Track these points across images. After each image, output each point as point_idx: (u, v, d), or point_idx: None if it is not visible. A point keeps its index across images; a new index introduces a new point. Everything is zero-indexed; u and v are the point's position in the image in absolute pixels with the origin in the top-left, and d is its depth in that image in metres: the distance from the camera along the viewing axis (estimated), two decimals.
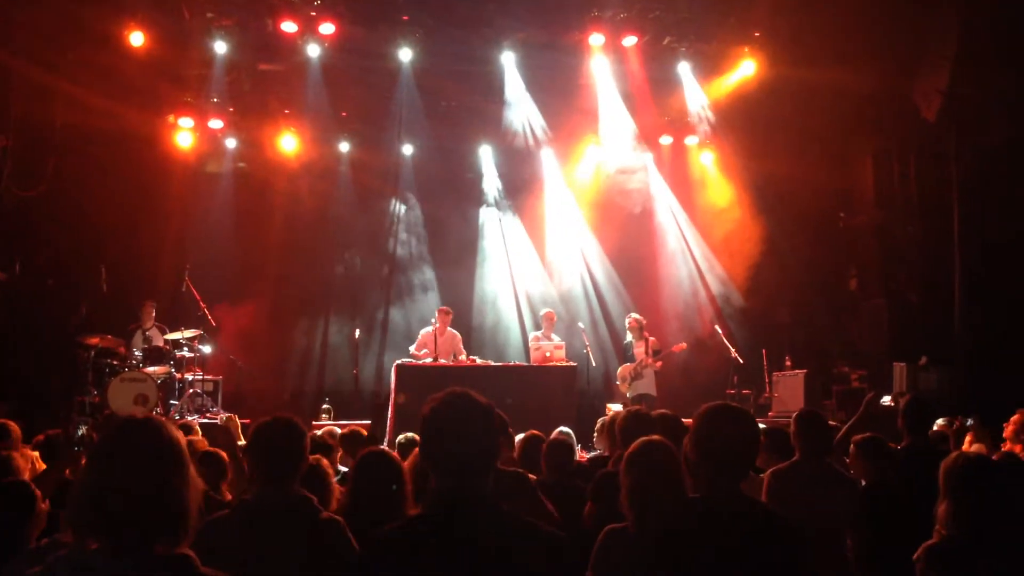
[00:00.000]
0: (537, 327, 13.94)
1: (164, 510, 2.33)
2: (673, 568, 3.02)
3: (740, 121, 14.92)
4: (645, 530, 3.54)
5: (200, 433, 7.11)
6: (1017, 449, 6.90)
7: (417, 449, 5.83)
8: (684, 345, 12.88)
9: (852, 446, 5.66)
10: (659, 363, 12.49)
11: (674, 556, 3.03)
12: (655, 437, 3.86)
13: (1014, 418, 7.25)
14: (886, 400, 10.80)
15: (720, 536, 3.00)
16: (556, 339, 13.05)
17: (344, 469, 6.89)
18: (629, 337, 12.85)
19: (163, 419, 2.53)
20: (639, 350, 12.56)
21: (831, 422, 6.04)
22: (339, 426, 8.22)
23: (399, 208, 15.97)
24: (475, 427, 2.58)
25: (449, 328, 12.81)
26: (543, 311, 13.65)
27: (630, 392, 12.47)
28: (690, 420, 6.65)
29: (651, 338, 12.69)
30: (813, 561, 3.07)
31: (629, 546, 3.63)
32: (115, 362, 11.89)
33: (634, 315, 13.00)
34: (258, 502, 3.49)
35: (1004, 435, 7.12)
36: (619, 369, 12.81)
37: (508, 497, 2.99)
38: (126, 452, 2.36)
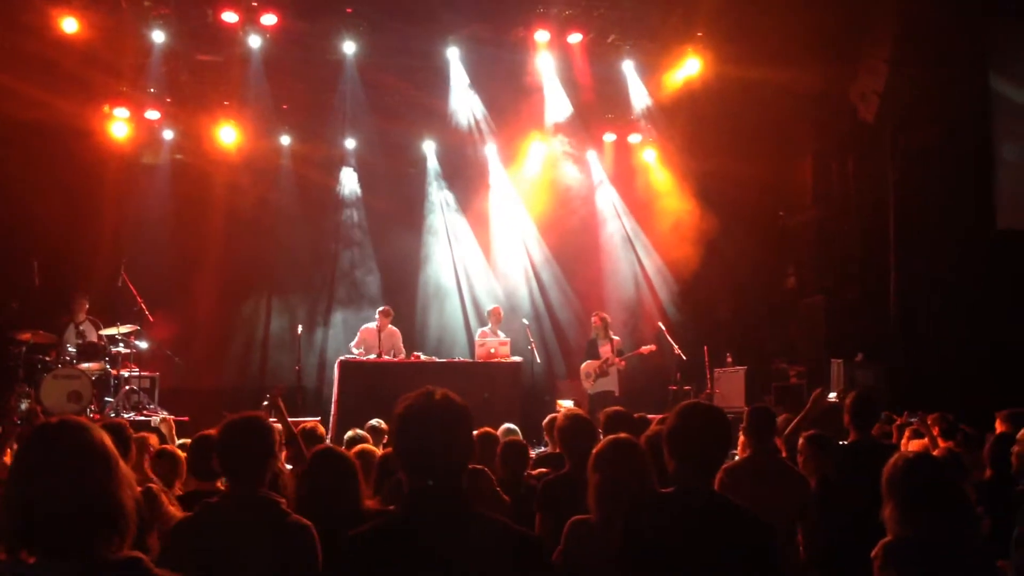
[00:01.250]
0: (483, 323, 13.91)
1: (98, 512, 2.27)
2: (643, 562, 3.03)
3: (683, 119, 15.07)
4: (612, 525, 3.57)
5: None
6: (951, 445, 7.02)
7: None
8: (654, 347, 13.03)
9: (801, 441, 5.75)
10: (623, 362, 12.62)
11: (644, 550, 3.05)
12: (622, 435, 3.90)
13: (932, 416, 7.35)
14: (832, 396, 11.00)
15: (690, 530, 3.06)
16: (501, 335, 13.05)
17: (288, 467, 6.80)
18: (593, 334, 12.93)
19: (84, 419, 2.46)
20: (604, 348, 12.67)
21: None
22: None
23: (341, 202, 15.78)
24: (451, 426, 2.55)
25: (389, 326, 12.74)
26: (490, 307, 13.66)
27: (592, 389, 12.58)
28: (639, 415, 6.73)
29: (616, 337, 12.86)
30: (779, 555, 3.12)
31: (594, 537, 3.70)
32: (48, 358, 11.58)
33: (600, 313, 13.14)
34: (225, 503, 3.42)
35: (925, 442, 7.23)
36: (583, 365, 12.85)
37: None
38: (50, 457, 2.30)
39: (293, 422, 9.38)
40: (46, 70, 12.47)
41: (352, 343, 12.66)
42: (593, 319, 13.10)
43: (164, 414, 11.36)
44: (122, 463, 2.39)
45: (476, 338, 13.21)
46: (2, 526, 2.27)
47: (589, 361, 12.75)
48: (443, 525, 2.49)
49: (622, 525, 3.18)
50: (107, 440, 2.38)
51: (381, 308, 12.98)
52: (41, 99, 12.43)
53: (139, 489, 2.50)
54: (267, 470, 3.51)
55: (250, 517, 3.37)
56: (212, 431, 4.32)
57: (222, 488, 4.25)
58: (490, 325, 13.20)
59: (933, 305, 12.51)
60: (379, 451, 5.89)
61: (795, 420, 5.95)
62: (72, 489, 2.25)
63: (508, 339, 12.99)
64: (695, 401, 3.40)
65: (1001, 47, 13.08)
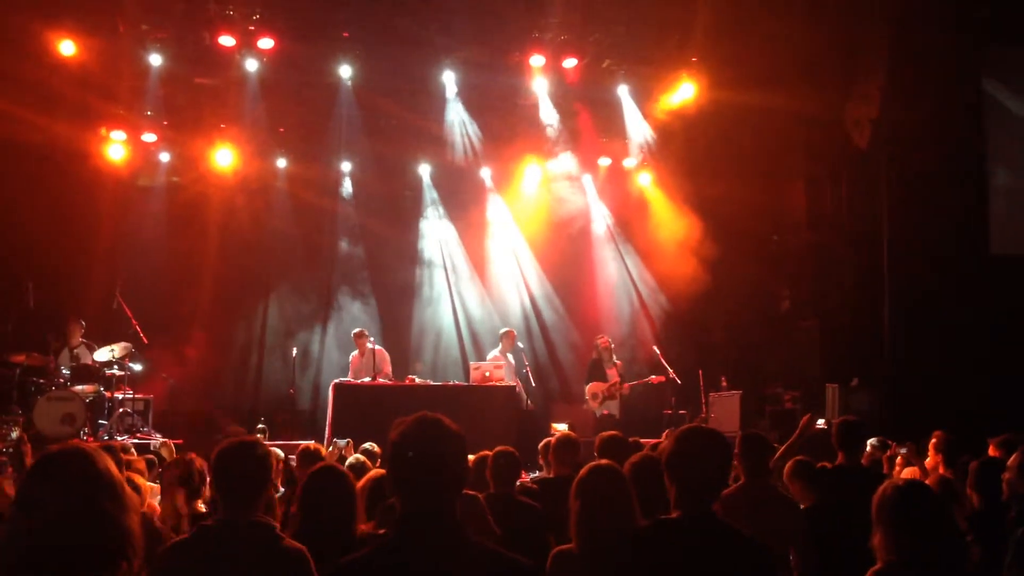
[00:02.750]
0: (480, 346, 13.91)
1: (108, 540, 2.26)
2: None
3: (677, 143, 15.13)
4: (593, 554, 3.56)
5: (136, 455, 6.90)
6: (945, 472, 7.01)
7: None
8: (663, 378, 13.15)
9: (789, 467, 5.75)
10: (628, 388, 12.88)
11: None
12: (604, 461, 3.87)
13: (932, 443, 7.36)
14: (820, 422, 10.98)
15: (693, 557, 3.06)
16: (503, 357, 13.04)
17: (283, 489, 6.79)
18: (596, 355, 13.10)
19: (88, 445, 2.46)
20: (611, 371, 12.84)
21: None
22: (276, 446, 8.08)
23: (337, 225, 15.81)
24: (446, 452, 2.55)
25: (372, 347, 12.69)
26: (502, 329, 13.65)
27: (599, 410, 12.73)
28: (632, 440, 6.72)
29: (618, 361, 13.09)
30: None
31: (577, 568, 3.65)
32: (42, 380, 11.53)
33: (605, 336, 13.31)
34: (219, 527, 3.41)
35: (927, 463, 7.22)
36: (589, 386, 12.98)
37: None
38: (57, 487, 2.29)
39: (288, 445, 9.41)
40: (43, 93, 12.54)
41: (347, 378, 12.65)
42: (600, 341, 13.22)
43: (159, 437, 11.31)
44: (127, 488, 2.39)
45: (487, 359, 13.23)
46: (8, 558, 2.25)
47: (596, 383, 12.86)
48: (435, 552, 2.48)
49: (603, 556, 3.16)
50: (112, 466, 2.39)
51: (355, 331, 12.99)
52: (38, 122, 12.49)
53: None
54: (263, 495, 3.50)
55: (244, 542, 3.35)
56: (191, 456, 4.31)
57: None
58: (501, 347, 13.21)
59: (928, 330, 12.52)
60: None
61: (784, 446, 5.95)
62: (81, 519, 2.25)
63: (503, 362, 12.97)
64: (694, 425, 3.40)
65: (994, 73, 13.18)
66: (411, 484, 2.54)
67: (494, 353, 13.31)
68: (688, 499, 3.17)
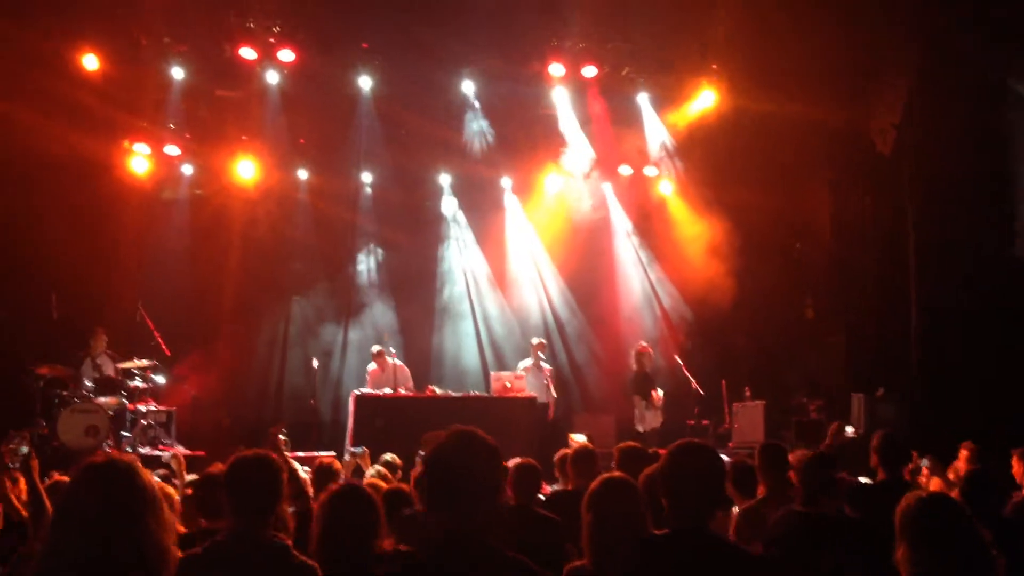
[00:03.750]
0: (502, 356, 13.87)
1: (146, 556, 2.25)
2: None
3: (698, 151, 15.06)
4: (605, 567, 3.50)
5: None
6: None
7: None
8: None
9: None
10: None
11: None
12: (616, 474, 3.82)
13: (964, 454, 7.25)
14: (849, 431, 10.86)
15: (682, 570, 3.03)
16: (534, 369, 13.01)
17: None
18: (642, 368, 13.09)
19: (129, 460, 2.43)
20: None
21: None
22: (296, 458, 8.07)
23: (358, 236, 15.83)
24: (482, 468, 2.53)
25: (392, 361, 12.69)
26: (534, 340, 13.61)
27: (645, 427, 12.70)
28: (652, 451, 6.64)
29: None
30: None
31: None
32: (65, 392, 11.59)
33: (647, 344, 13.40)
34: (231, 542, 3.38)
35: (952, 476, 7.10)
36: (651, 397, 12.87)
37: None
38: (99, 505, 2.28)
39: (309, 456, 9.40)
40: (67, 107, 12.63)
41: (364, 388, 12.66)
42: (644, 348, 13.16)
43: (180, 449, 11.34)
44: (166, 506, 2.37)
45: (518, 370, 13.17)
46: (49, 563, 2.24)
47: (653, 392, 12.80)
48: (471, 569, 2.45)
49: (614, 571, 3.12)
50: (153, 482, 2.41)
51: (374, 350, 12.98)
52: (62, 135, 12.58)
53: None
54: (275, 510, 3.47)
55: (255, 557, 3.32)
56: (215, 469, 4.28)
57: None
58: (532, 359, 13.16)
59: (954, 337, 12.33)
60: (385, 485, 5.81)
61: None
62: (123, 531, 2.25)
63: (523, 374, 12.90)
64: (687, 440, 3.37)
65: (1020, 76, 13.00)
66: (446, 499, 2.51)
67: (525, 363, 13.26)
68: (680, 514, 3.15)
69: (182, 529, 5.01)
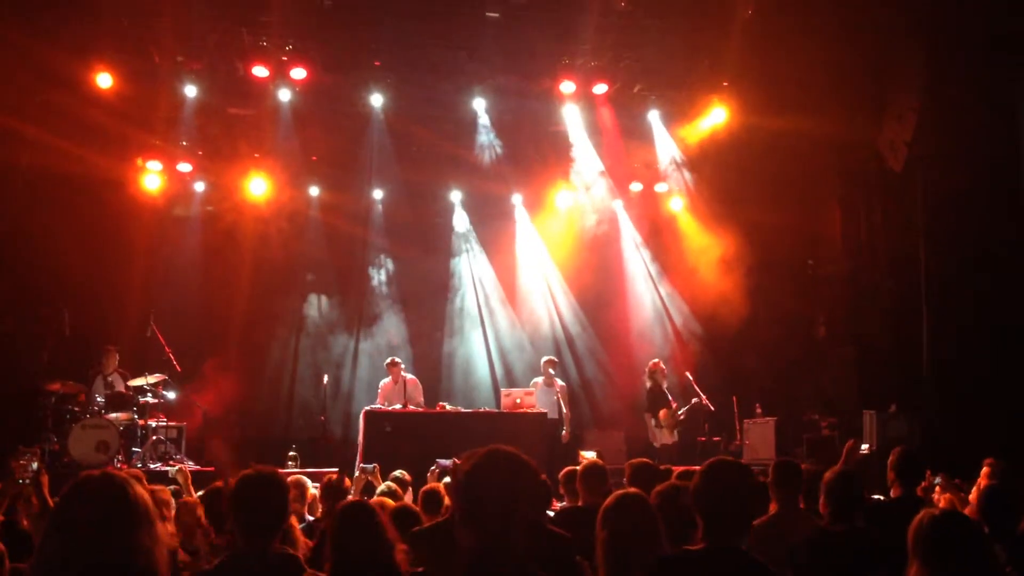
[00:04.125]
0: (512, 373, 13.84)
1: (138, 569, 2.24)
2: None
3: (710, 168, 15.07)
4: None
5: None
6: None
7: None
8: (707, 402, 13.20)
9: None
10: (682, 414, 13.08)
11: None
12: (631, 490, 3.81)
13: (984, 470, 7.18)
14: (864, 448, 10.79)
15: None
16: (545, 386, 13.00)
17: (311, 518, 6.75)
18: (659, 383, 13.25)
19: (124, 474, 2.44)
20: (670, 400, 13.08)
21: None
22: (306, 474, 8.07)
23: (369, 253, 15.88)
24: (522, 488, 2.50)
25: (405, 375, 12.70)
26: (544, 358, 13.59)
27: (659, 442, 12.95)
28: (664, 467, 6.62)
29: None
30: None
31: None
32: (76, 408, 11.63)
33: (659, 361, 13.56)
34: (240, 558, 3.37)
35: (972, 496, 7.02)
36: (661, 412, 13.04)
37: None
38: (94, 512, 2.28)
39: (318, 472, 9.39)
40: (81, 124, 12.75)
41: (375, 405, 12.64)
42: (657, 366, 13.35)
43: (190, 464, 11.35)
44: (159, 521, 2.37)
45: (529, 386, 13.17)
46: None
47: (664, 410, 13.01)
48: None
49: None
50: (147, 496, 2.39)
51: (388, 361, 12.98)
52: (75, 152, 12.69)
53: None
54: (281, 526, 3.47)
55: (268, 573, 3.31)
56: (220, 484, 4.28)
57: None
58: (543, 376, 13.17)
59: (967, 355, 12.25)
60: (392, 503, 5.80)
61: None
62: (115, 544, 2.24)
63: (533, 389, 12.87)
64: (722, 458, 3.37)
65: None
66: (483, 518, 2.48)
67: (537, 380, 13.26)
68: (715, 532, 3.14)
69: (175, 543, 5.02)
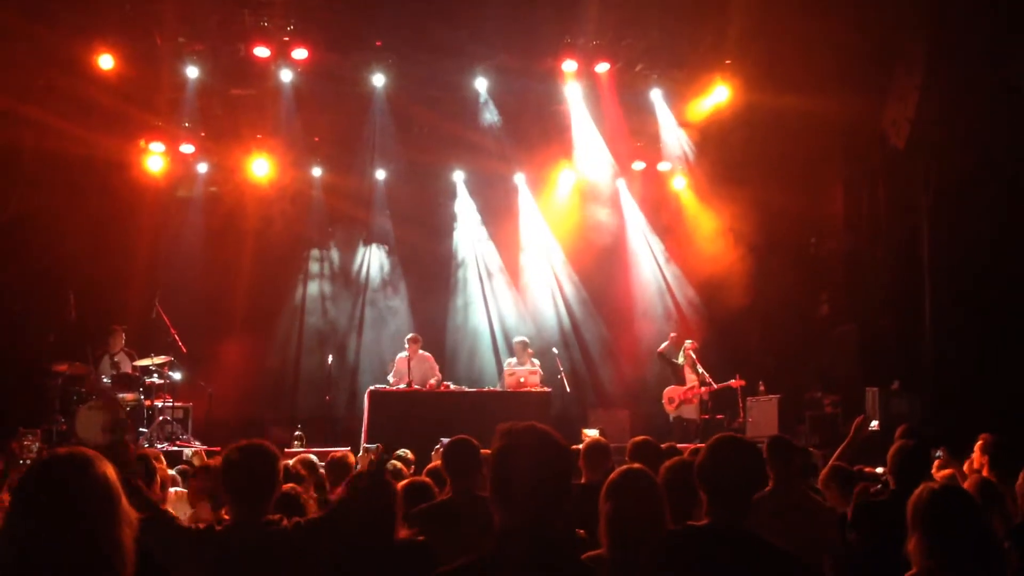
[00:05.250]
0: (512, 354, 13.88)
1: (96, 551, 2.24)
2: None
3: (712, 147, 15.04)
4: (622, 559, 3.52)
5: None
6: (989, 474, 6.84)
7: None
8: (743, 382, 13.26)
9: (825, 472, 5.64)
10: (707, 393, 13.20)
11: None
12: (636, 465, 3.84)
13: (978, 444, 7.19)
14: (874, 424, 10.84)
15: (722, 567, 3.04)
16: (533, 365, 13.02)
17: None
18: (680, 360, 13.44)
19: (91, 452, 2.43)
20: (691, 377, 13.20)
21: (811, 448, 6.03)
22: (312, 452, 8.14)
23: (372, 233, 15.90)
24: (556, 467, 2.51)
25: (421, 352, 12.76)
26: (516, 339, 13.65)
27: (675, 414, 13.13)
28: (667, 445, 6.66)
29: (702, 371, 13.38)
30: None
31: (607, 574, 3.60)
32: (83, 389, 11.70)
33: (693, 341, 13.67)
34: (231, 530, 3.43)
35: (973, 465, 7.05)
36: (668, 389, 13.35)
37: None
38: (50, 493, 2.27)
39: (323, 452, 9.45)
40: (84, 106, 12.75)
41: (390, 375, 12.71)
42: (689, 346, 13.51)
43: (197, 444, 11.43)
44: (124, 499, 2.36)
45: (504, 369, 13.20)
46: (1, 560, 2.24)
47: (675, 387, 13.23)
48: (536, 568, 2.43)
49: (632, 562, 3.13)
50: (111, 474, 2.36)
51: (409, 336, 13.01)
52: (78, 134, 12.70)
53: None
54: (272, 497, 3.51)
55: (256, 542, 3.38)
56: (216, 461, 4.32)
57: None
58: (516, 357, 13.21)
59: (969, 332, 12.28)
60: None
61: (839, 449, 5.83)
62: (70, 527, 2.23)
63: (537, 368, 12.95)
64: (727, 434, 3.39)
65: None
66: (515, 496, 2.47)
67: (510, 362, 13.29)
68: (719, 508, 3.16)
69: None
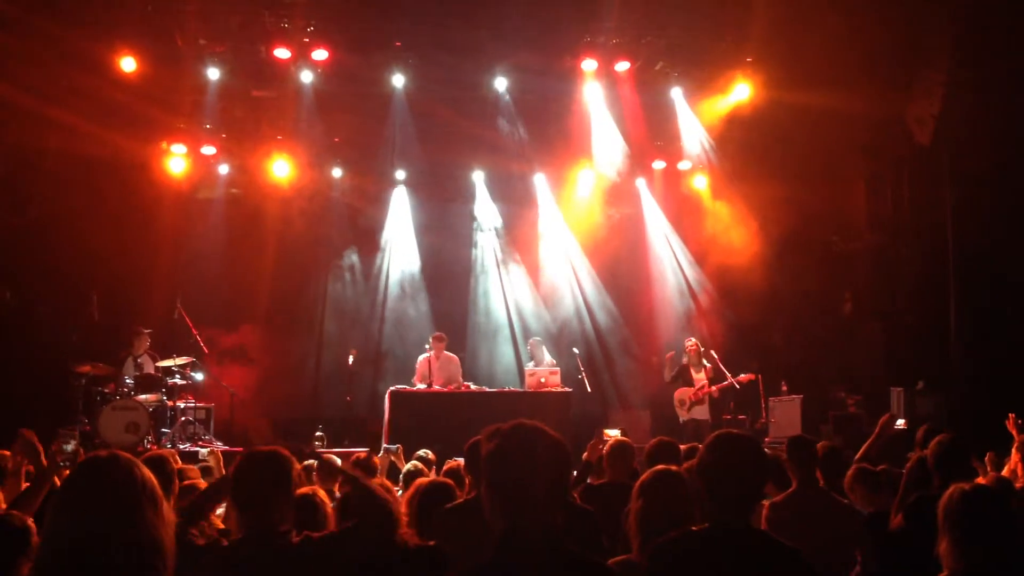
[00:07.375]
0: (530, 357, 13.84)
1: (143, 551, 2.26)
2: None
3: (733, 145, 14.93)
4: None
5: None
6: None
7: (416, 481, 5.76)
8: (753, 376, 13.04)
9: (851, 473, 5.56)
10: (717, 391, 12.86)
11: None
12: (670, 467, 3.82)
13: (1016, 444, 7.09)
14: (900, 423, 10.73)
15: (725, 568, 2.97)
16: (552, 365, 12.99)
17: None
18: (685, 360, 13.15)
19: (129, 455, 2.45)
20: (699, 376, 12.93)
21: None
22: (334, 453, 8.13)
23: (392, 233, 15.91)
24: (548, 463, 2.45)
25: (445, 352, 12.75)
26: (530, 340, 13.65)
27: (687, 416, 12.87)
28: (688, 446, 6.61)
29: (708, 364, 13.08)
30: None
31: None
32: (106, 390, 11.78)
33: (694, 340, 13.36)
34: (238, 543, 3.39)
35: (1009, 466, 6.94)
36: (677, 392, 13.07)
37: None
38: (101, 493, 2.30)
39: (344, 453, 9.46)
40: (106, 107, 12.81)
41: (414, 377, 12.69)
42: (689, 346, 13.22)
43: (219, 445, 11.47)
44: (165, 502, 2.41)
45: (526, 369, 13.18)
46: (45, 557, 2.27)
47: (683, 388, 12.96)
48: (539, 570, 2.40)
49: (648, 562, 3.09)
50: (153, 478, 2.40)
51: (434, 334, 13.00)
52: (100, 136, 12.80)
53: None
54: (281, 502, 3.42)
55: (264, 549, 3.31)
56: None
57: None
58: (532, 361, 13.24)
59: (995, 331, 12.14)
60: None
61: (864, 447, 5.76)
62: (122, 527, 2.26)
63: (558, 368, 12.92)
64: (726, 431, 3.29)
65: None
66: (510, 499, 2.43)
67: (530, 364, 13.30)
68: (720, 509, 3.06)
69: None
